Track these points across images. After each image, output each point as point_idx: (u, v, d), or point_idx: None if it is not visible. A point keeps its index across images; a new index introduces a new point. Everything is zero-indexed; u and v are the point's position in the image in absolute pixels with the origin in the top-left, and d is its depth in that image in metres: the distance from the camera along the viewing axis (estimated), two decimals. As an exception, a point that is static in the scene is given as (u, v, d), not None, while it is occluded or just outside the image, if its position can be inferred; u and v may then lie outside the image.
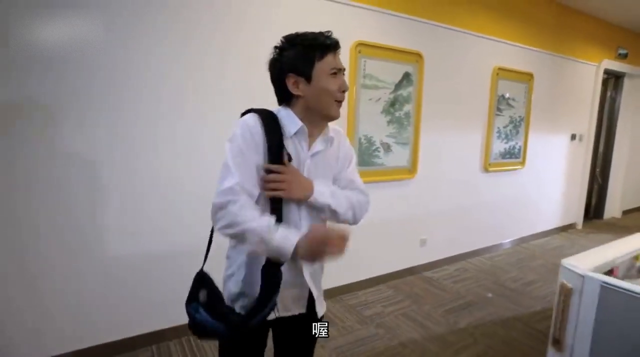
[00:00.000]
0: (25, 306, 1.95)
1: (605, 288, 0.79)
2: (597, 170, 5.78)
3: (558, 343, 0.89)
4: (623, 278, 1.00)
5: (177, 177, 2.23)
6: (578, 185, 5.13)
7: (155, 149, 2.15)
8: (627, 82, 5.44)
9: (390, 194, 3.16)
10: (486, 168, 3.82)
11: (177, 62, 2.15)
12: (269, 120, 1.07)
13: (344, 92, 1.12)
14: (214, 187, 1.03)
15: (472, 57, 3.52)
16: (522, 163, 4.22)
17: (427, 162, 3.33)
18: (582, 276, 0.82)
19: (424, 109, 3.19)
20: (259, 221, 0.98)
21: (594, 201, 5.85)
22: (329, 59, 1.08)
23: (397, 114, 3.05)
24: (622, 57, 5.15)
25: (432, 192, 3.45)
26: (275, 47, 1.11)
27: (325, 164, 1.18)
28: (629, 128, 5.57)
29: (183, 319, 1.12)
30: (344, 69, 1.14)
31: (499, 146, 3.92)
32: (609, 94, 5.55)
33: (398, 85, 3.02)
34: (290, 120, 1.10)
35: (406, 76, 3.06)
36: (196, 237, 1.76)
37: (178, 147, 2.22)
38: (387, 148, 3.04)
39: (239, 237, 1.00)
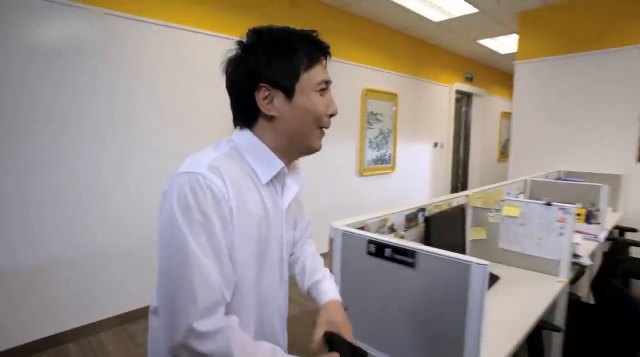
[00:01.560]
0: None
1: (345, 234, 1.36)
2: (460, 171, 7.01)
3: (329, 273, 1.43)
4: (375, 232, 1.60)
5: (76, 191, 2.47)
6: (442, 183, 6.22)
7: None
8: (475, 100, 6.75)
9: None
10: (361, 173, 4.56)
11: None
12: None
13: (331, 116, 0.84)
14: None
15: (345, 81, 4.25)
16: (393, 168, 5.08)
17: (311, 168, 3.93)
18: (335, 229, 1.38)
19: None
20: (261, 351, 0.72)
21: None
22: (318, 69, 0.79)
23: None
24: (469, 80, 6.41)
25: (313, 195, 4.05)
26: (240, 43, 0.78)
27: (294, 209, 0.98)
28: (479, 136, 6.89)
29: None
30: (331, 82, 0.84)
31: (371, 154, 4.70)
32: (463, 109, 6.82)
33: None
34: (262, 158, 0.80)
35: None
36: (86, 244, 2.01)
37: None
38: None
39: None
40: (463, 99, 6.77)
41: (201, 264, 0.69)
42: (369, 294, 1.27)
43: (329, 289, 1.00)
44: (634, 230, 3.19)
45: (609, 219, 2.97)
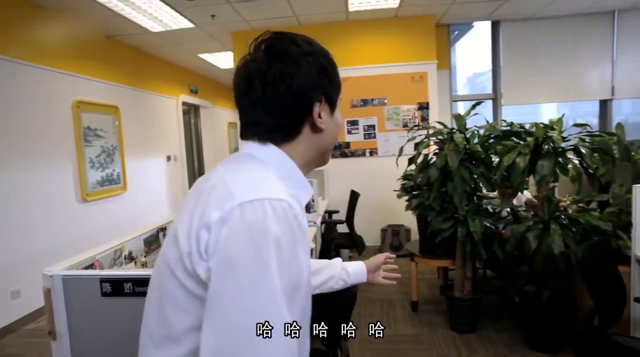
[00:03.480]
0: None
1: (67, 279, 1.10)
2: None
3: (51, 334, 1.13)
4: (110, 267, 1.38)
5: None
6: (181, 196, 6.11)
7: None
8: (202, 111, 6.98)
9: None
10: (85, 198, 3.88)
11: None
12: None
13: None
14: None
15: (48, 91, 3.48)
16: (124, 187, 4.57)
17: (4, 206, 3.00)
18: (51, 276, 1.10)
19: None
20: None
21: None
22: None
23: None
24: (194, 92, 6.55)
25: (19, 237, 3.13)
26: (276, 51, 0.67)
27: None
28: (211, 146, 7.18)
29: None
30: None
31: (95, 175, 4.07)
32: (192, 120, 6.91)
33: None
34: (296, 181, 0.70)
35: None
36: None
37: None
38: None
39: None
40: (191, 111, 6.86)
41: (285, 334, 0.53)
42: (113, 344, 1.07)
43: (344, 266, 1.13)
44: (337, 211, 4.12)
45: (321, 206, 3.70)
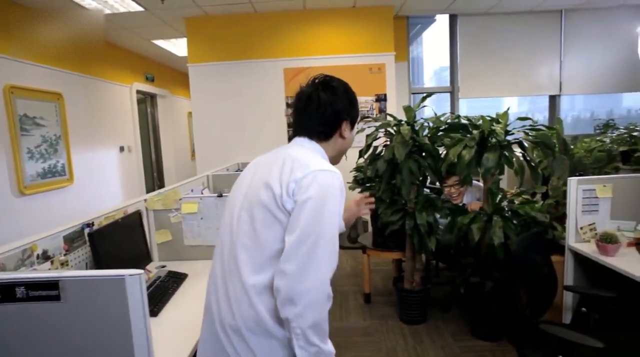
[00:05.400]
0: None
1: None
2: (155, 173, 6.83)
3: None
4: (17, 269, 1.26)
5: None
6: (137, 188, 5.87)
7: None
8: (159, 101, 6.69)
9: None
10: (22, 191, 3.62)
11: None
12: None
13: None
14: None
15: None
16: (71, 180, 4.32)
17: None
18: None
19: None
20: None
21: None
22: None
23: None
24: (150, 80, 6.27)
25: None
26: (328, 86, 1.11)
27: None
28: (170, 137, 6.91)
29: None
30: None
31: (35, 166, 3.81)
32: (149, 110, 6.62)
33: None
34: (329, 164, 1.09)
35: None
36: None
37: None
38: None
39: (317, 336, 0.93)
40: (147, 100, 6.56)
41: (334, 251, 0.97)
42: None
43: None
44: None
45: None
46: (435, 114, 2.59)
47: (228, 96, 4.56)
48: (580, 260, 2.23)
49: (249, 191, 1.04)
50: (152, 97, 6.59)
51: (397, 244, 2.87)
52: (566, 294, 2.20)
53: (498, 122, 2.38)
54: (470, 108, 5.31)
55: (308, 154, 1.06)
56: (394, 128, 2.49)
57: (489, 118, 2.40)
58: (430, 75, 6.19)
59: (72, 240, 1.56)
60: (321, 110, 1.09)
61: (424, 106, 2.59)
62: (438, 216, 2.67)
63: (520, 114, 7.04)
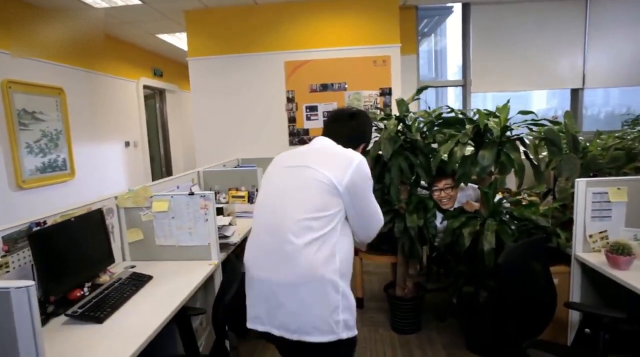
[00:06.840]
0: None
1: None
2: (163, 169, 6.83)
3: None
4: None
5: None
6: (143, 183, 5.84)
7: None
8: (168, 96, 6.67)
9: None
10: (20, 185, 3.63)
11: None
12: None
13: None
14: None
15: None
16: (72, 174, 4.32)
17: None
18: None
19: None
20: None
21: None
22: None
23: None
24: (158, 75, 6.25)
25: None
26: (355, 116, 1.55)
27: None
28: (179, 132, 6.90)
29: None
30: None
31: (34, 161, 3.81)
32: (157, 105, 6.62)
33: None
34: None
35: None
36: None
37: None
38: None
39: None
40: (155, 95, 6.56)
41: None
42: None
43: None
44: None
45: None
46: (429, 108, 2.38)
47: (227, 90, 4.46)
48: (589, 272, 1.98)
49: (309, 171, 1.38)
50: (161, 92, 6.57)
51: (390, 247, 2.68)
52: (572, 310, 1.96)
53: (496, 116, 2.15)
54: (493, 104, 4.99)
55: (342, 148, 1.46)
56: (382, 122, 2.30)
57: (486, 111, 2.17)
58: (455, 70, 5.89)
59: (15, 240, 1.47)
60: (351, 131, 1.52)
61: (417, 99, 2.38)
62: (439, 218, 2.47)
63: (549, 110, 6.63)
